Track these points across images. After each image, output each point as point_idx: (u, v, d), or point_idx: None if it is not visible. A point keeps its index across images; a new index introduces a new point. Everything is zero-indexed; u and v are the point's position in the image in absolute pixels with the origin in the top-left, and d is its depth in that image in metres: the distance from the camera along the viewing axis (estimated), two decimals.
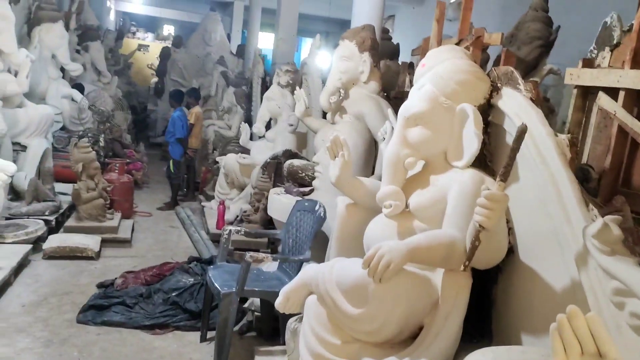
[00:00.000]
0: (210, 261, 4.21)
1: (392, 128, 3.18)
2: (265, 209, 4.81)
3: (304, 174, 4.36)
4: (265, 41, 16.27)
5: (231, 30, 15.45)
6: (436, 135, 2.48)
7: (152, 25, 21.05)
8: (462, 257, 2.22)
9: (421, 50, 4.78)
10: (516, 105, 2.34)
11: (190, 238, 5.66)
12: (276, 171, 5.33)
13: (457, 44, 3.98)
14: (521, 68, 3.82)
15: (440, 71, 2.48)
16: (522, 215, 2.33)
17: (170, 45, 14.25)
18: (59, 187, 6.16)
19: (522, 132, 1.91)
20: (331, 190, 3.97)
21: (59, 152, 6.82)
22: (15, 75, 5.57)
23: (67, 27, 8.18)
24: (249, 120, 8.49)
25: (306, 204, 3.48)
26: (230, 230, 3.42)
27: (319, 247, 3.40)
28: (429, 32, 6.46)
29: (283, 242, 3.51)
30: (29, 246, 4.50)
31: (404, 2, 13.19)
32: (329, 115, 4.64)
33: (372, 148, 4.08)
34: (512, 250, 2.35)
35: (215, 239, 5.45)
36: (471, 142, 2.39)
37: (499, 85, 2.49)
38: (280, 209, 3.99)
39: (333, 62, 4.36)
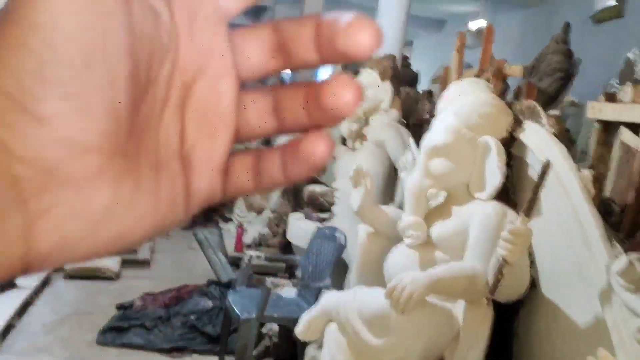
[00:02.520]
0: (228, 284, 4.24)
1: (414, 158, 3.21)
2: (283, 234, 4.84)
3: (323, 200, 4.40)
4: None
5: None
6: (459, 167, 2.51)
7: None
8: (484, 290, 2.23)
9: (441, 80, 4.82)
10: (539, 139, 2.37)
11: (209, 260, 5.70)
12: (295, 195, 5.38)
13: (478, 74, 4.03)
14: (542, 99, 3.84)
15: (463, 104, 2.52)
16: (545, 249, 2.34)
17: None
18: None
19: (546, 167, 1.94)
20: (350, 216, 4.01)
21: None
22: None
23: None
24: (267, 142, 8.58)
25: (326, 231, 3.51)
26: (250, 256, 3.46)
27: (339, 274, 3.42)
28: (447, 59, 6.51)
29: (303, 268, 3.54)
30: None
31: (423, 29, 13.32)
32: (349, 142, 4.69)
33: (392, 175, 4.11)
34: (534, 284, 2.35)
35: (233, 262, 5.49)
36: (494, 175, 2.42)
37: (521, 118, 2.52)
38: (299, 234, 4.03)
39: None
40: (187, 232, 6.94)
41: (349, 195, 4.04)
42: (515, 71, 3.71)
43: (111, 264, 4.82)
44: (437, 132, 2.54)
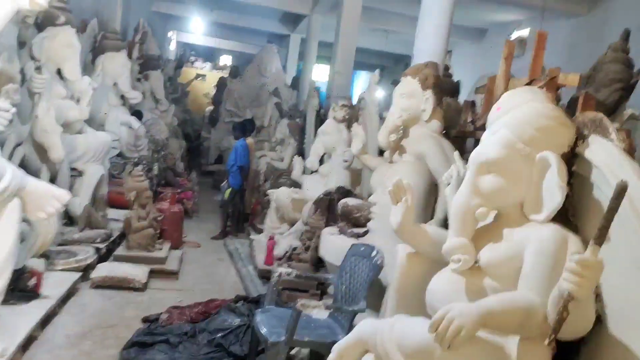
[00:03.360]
0: (257, 300, 4.05)
1: (458, 172, 2.97)
2: (316, 248, 4.63)
3: (359, 214, 4.18)
4: (320, 73, 16.39)
5: (287, 62, 15.62)
6: (512, 184, 2.26)
7: (210, 55, 21.65)
8: (542, 325, 1.97)
9: (487, 90, 4.56)
10: (607, 157, 2.10)
11: (238, 272, 5.54)
12: (328, 208, 5.16)
13: (528, 84, 3.76)
14: (599, 111, 3.55)
15: (518, 115, 2.27)
16: (613, 280, 2.06)
17: (227, 75, 14.50)
18: (112, 213, 6.19)
19: (621, 190, 1.68)
20: (388, 233, 3.76)
21: (115, 178, 6.90)
22: (77, 102, 5.68)
23: (129, 56, 8.42)
24: (301, 153, 8.42)
25: (362, 248, 3.28)
26: (280, 273, 3.26)
27: (375, 296, 3.19)
28: (488, 68, 6.23)
29: (335, 288, 3.32)
30: (78, 274, 4.47)
31: (463, 38, 13.00)
32: (386, 154, 4.46)
33: (432, 190, 3.86)
34: (599, 320, 2.07)
35: (263, 275, 5.31)
36: (553, 194, 2.16)
37: (585, 132, 2.26)
38: (333, 250, 3.81)
39: (394, 98, 4.20)
40: (218, 242, 6.81)
41: (386, 210, 3.82)
42: (571, 80, 3.43)
43: (139, 274, 4.69)
44: (488, 146, 2.29)
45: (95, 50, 7.51)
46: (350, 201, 4.33)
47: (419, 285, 2.66)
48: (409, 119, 4.14)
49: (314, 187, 5.72)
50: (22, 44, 5.42)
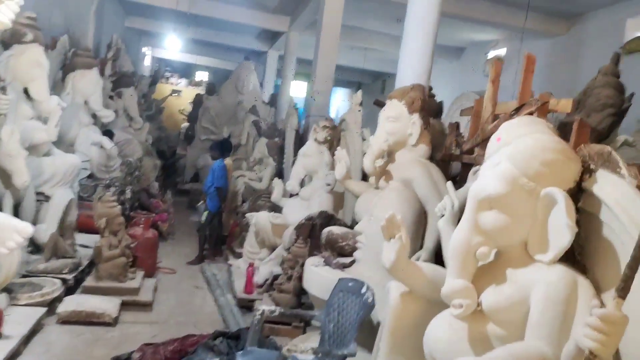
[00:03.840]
0: (237, 336, 3.80)
1: (452, 205, 2.80)
2: (299, 278, 4.41)
3: (344, 243, 3.99)
4: (298, 90, 16.24)
5: (264, 79, 15.45)
6: (515, 222, 2.10)
7: (186, 71, 21.35)
8: None
9: (473, 112, 4.44)
10: (619, 194, 1.95)
11: (216, 302, 5.27)
12: (311, 234, 4.96)
13: (518, 109, 3.64)
14: (591, 138, 3.44)
15: (521, 148, 2.11)
16: (632, 332, 1.90)
17: (203, 92, 14.25)
18: (82, 238, 5.88)
19: None
20: (376, 264, 3.58)
21: (85, 200, 6.58)
22: (45, 122, 5.40)
23: (102, 74, 8.13)
24: (280, 173, 8.22)
25: (350, 284, 3.08)
26: (263, 311, 3.04)
27: (365, 333, 2.98)
28: (466, 87, 5.97)
29: (323, 326, 3.10)
30: (43, 310, 4.16)
31: (440, 56, 12.99)
32: (372, 179, 4.29)
33: (421, 219, 3.69)
34: None
35: (243, 305, 5.07)
36: (560, 233, 2.00)
37: (592, 166, 2.11)
38: (317, 283, 3.60)
39: (380, 121, 4.05)
40: (195, 268, 6.53)
41: (374, 240, 3.64)
42: (564, 106, 3.31)
43: (110, 307, 4.41)
44: (490, 180, 2.13)
45: (66, 68, 7.22)
46: (335, 229, 4.13)
47: (414, 327, 2.48)
48: (395, 143, 3.99)
49: (294, 211, 5.51)
50: None
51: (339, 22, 8.85)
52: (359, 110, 5.25)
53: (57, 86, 7.07)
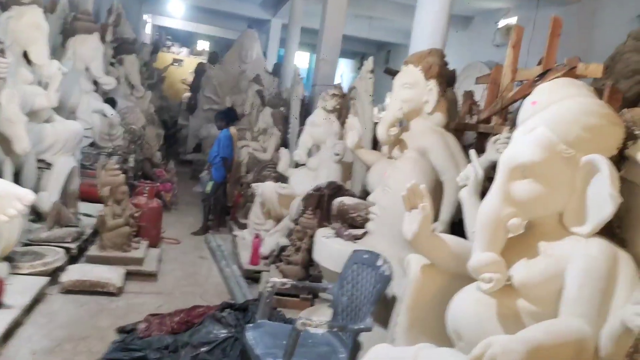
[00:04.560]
0: (245, 308, 3.71)
1: (476, 174, 2.66)
2: (308, 250, 4.30)
3: (356, 214, 3.85)
4: (301, 60, 15.95)
5: (267, 49, 15.15)
6: (551, 191, 1.96)
7: (187, 40, 20.97)
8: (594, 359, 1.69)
9: (491, 80, 4.26)
10: None
11: (221, 272, 5.18)
12: (318, 205, 4.83)
13: (542, 75, 3.46)
14: (618, 106, 3.27)
15: (561, 111, 1.96)
16: None
17: (205, 61, 13.99)
18: (85, 207, 5.77)
19: None
20: (388, 235, 3.45)
21: (87, 169, 6.45)
22: (45, 88, 5.22)
23: (102, 40, 7.91)
24: (285, 143, 8.06)
25: (365, 256, 2.95)
26: (274, 283, 2.92)
27: (380, 307, 2.87)
28: (474, 57, 5.72)
29: (335, 299, 2.99)
30: (46, 279, 4.06)
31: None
32: (384, 148, 4.14)
33: (437, 190, 3.54)
34: None
35: (249, 276, 4.97)
36: (602, 204, 1.86)
37: (636, 132, 1.96)
38: (329, 255, 3.48)
39: (394, 89, 3.88)
40: (199, 238, 6.43)
41: (387, 211, 3.50)
42: (593, 71, 3.14)
43: (114, 276, 4.31)
44: (524, 147, 1.98)
45: (66, 33, 7.01)
46: (346, 200, 3.99)
47: (436, 302, 2.36)
48: (410, 111, 3.82)
49: (302, 182, 5.38)
50: None
51: None
52: (370, 78, 5.06)
53: (57, 51, 6.86)
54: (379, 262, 2.80)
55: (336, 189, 4.82)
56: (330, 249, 3.49)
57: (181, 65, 19.10)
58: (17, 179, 4.75)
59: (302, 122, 7.87)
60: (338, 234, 3.63)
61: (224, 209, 7.21)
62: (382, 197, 3.55)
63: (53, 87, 5.19)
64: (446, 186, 3.53)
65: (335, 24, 8.50)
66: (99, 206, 5.05)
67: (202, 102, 12.47)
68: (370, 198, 3.63)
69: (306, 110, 8.08)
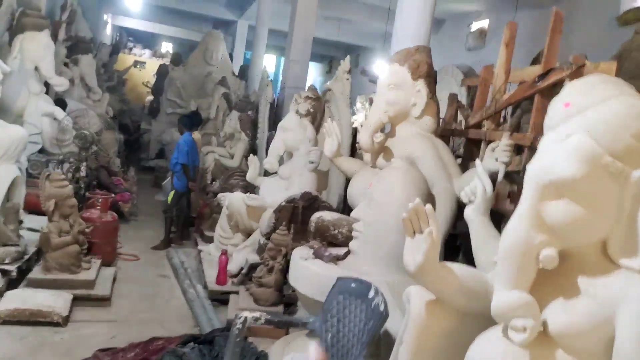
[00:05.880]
0: (211, 340, 3.23)
1: (485, 189, 2.26)
2: (282, 270, 3.85)
3: (336, 232, 3.43)
4: (268, 63, 15.48)
5: (233, 50, 14.64)
6: (593, 214, 1.57)
7: (149, 41, 20.28)
8: None
9: (480, 80, 3.90)
10: None
11: (184, 294, 4.67)
12: (292, 217, 4.40)
13: (544, 75, 3.11)
14: None
15: (605, 116, 1.56)
16: None
17: (168, 63, 13.39)
18: (31, 220, 5.19)
19: None
20: (374, 256, 3.03)
21: (34, 178, 5.83)
22: None
23: (55, 38, 7.31)
24: (253, 149, 7.59)
25: (353, 285, 2.52)
26: (245, 318, 2.46)
27: (373, 345, 2.44)
28: (447, 60, 5.39)
29: (319, 335, 2.55)
30: None
31: None
32: (367, 157, 3.74)
33: (428, 203, 3.14)
34: None
35: (215, 297, 4.49)
36: None
37: None
38: (308, 280, 3.03)
39: (378, 90, 3.48)
40: (160, 254, 5.90)
41: (373, 229, 3.08)
42: (606, 71, 2.79)
43: (59, 304, 3.77)
44: (559, 158, 1.58)
45: (13, 29, 6.40)
46: (325, 215, 3.56)
47: (443, 348, 1.95)
48: (396, 115, 3.43)
49: (273, 192, 4.93)
50: None
51: None
52: (348, 79, 4.66)
53: (2, 49, 6.26)
54: (371, 294, 2.38)
55: (311, 201, 4.39)
56: (310, 273, 3.04)
57: (144, 67, 18.43)
58: None
59: (272, 127, 7.43)
60: (317, 255, 3.18)
61: (187, 220, 6.70)
62: (366, 212, 3.12)
63: None
64: (438, 199, 3.14)
65: (305, 25, 8.09)
66: (46, 219, 4.49)
67: (165, 106, 11.88)
68: (353, 214, 3.20)
69: (276, 114, 7.65)
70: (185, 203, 6.48)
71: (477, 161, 2.44)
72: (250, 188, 5.85)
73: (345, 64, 4.83)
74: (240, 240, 5.23)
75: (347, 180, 4.32)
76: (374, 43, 15.80)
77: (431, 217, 1.88)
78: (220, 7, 14.51)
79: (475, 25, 11.16)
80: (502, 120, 3.84)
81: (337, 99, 4.71)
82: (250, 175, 5.46)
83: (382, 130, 3.54)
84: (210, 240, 5.83)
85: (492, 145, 3.07)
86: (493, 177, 2.80)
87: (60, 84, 6.77)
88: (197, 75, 12.00)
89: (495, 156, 2.93)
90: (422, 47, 3.53)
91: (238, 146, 7.72)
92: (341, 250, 3.33)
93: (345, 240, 3.34)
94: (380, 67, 11.89)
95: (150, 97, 14.54)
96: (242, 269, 4.67)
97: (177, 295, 4.72)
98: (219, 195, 5.75)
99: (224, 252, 4.70)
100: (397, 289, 2.55)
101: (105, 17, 16.17)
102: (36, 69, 6.46)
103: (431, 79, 3.45)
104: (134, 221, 7.16)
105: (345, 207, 4.44)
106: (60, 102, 6.93)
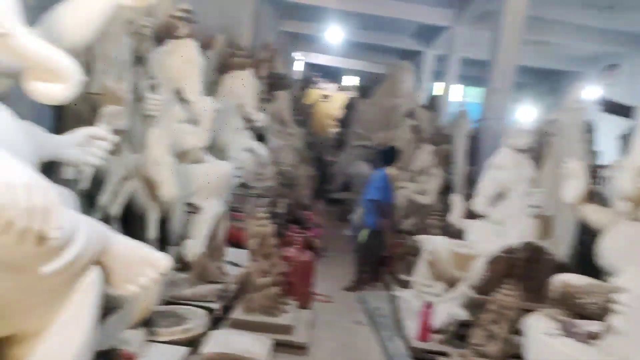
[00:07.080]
0: None
1: None
2: (508, 340, 3.24)
3: (587, 301, 2.74)
4: (456, 94, 14.86)
5: (419, 82, 14.31)
6: None
7: (334, 75, 20.93)
8: None
9: None
10: None
11: (384, 347, 4.26)
12: (509, 273, 3.76)
13: None
14: None
15: None
16: None
17: (352, 96, 13.50)
18: (232, 253, 5.25)
19: None
20: None
21: (235, 212, 5.99)
22: (197, 125, 4.82)
23: (257, 75, 7.64)
24: (448, 186, 7.05)
25: None
26: None
27: None
28: None
29: None
30: (186, 349, 3.46)
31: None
32: (620, 205, 2.99)
33: None
34: None
35: (418, 356, 4.00)
36: None
37: None
38: None
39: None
40: (352, 296, 5.59)
41: None
42: None
43: (259, 349, 3.60)
44: None
45: (221, 69, 6.78)
46: (572, 279, 2.87)
47: None
48: None
49: (484, 239, 4.34)
50: (139, 59, 4.67)
51: (523, 10, 7.50)
52: (581, 108, 3.93)
53: (211, 88, 6.64)
54: None
55: (536, 253, 3.72)
56: (560, 356, 2.41)
57: (329, 100, 19.00)
58: (163, 225, 4.32)
59: (472, 162, 6.83)
60: (566, 329, 2.54)
61: (379, 260, 6.35)
62: (637, 281, 2.41)
63: (205, 126, 4.77)
64: None
65: (508, 52, 7.42)
66: (246, 255, 4.45)
67: (351, 138, 11.89)
68: (619, 282, 2.50)
69: (474, 148, 7.04)
70: (377, 242, 6.14)
71: None
72: (449, 230, 5.31)
73: (577, 91, 4.10)
74: (441, 289, 4.70)
75: (584, 230, 3.59)
76: (574, 66, 14.29)
77: None
78: (407, 38, 14.33)
79: None
80: None
81: (568, 133, 4.00)
82: (454, 218, 4.92)
83: None
84: (404, 284, 5.39)
85: None
86: None
87: (260, 119, 6.99)
88: (384, 107, 11.84)
89: None
90: None
91: (432, 182, 7.23)
92: (591, 325, 2.64)
93: (600, 314, 2.64)
94: (594, 93, 10.58)
95: (334, 130, 14.80)
96: (448, 325, 4.13)
97: (373, 347, 4.32)
98: (418, 237, 5.29)
99: (428, 305, 4.20)
100: None
101: (294, 54, 17.05)
102: (239, 105, 6.73)
103: None
104: (325, 257, 7.02)
105: (580, 263, 3.69)
106: (261, 137, 7.14)
